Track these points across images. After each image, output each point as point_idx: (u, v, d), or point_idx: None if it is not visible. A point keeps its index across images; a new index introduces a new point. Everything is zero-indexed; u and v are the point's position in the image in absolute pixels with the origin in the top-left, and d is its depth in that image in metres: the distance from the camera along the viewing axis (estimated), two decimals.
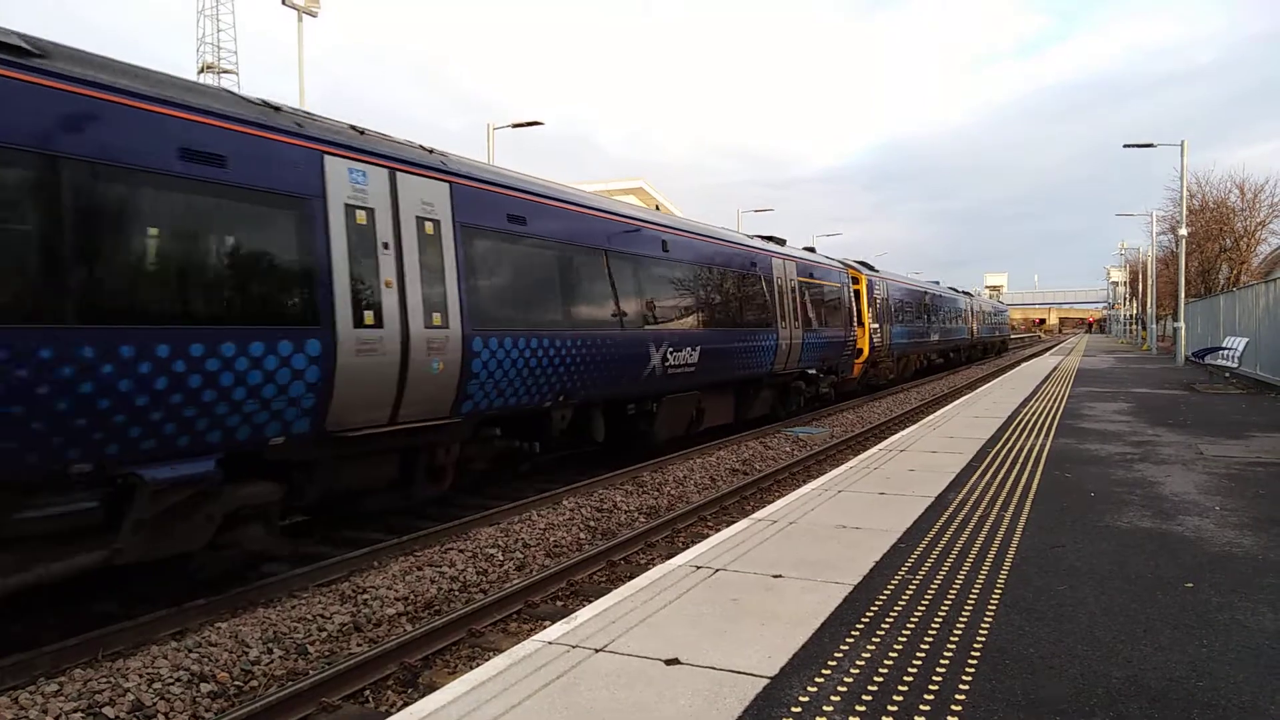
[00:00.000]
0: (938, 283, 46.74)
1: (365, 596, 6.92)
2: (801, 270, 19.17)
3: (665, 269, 13.41)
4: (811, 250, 24.13)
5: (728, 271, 15.54)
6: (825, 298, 20.61)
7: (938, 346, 37.10)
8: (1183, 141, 30.90)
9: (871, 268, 27.69)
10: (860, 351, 24.06)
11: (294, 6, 23.79)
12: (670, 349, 12.93)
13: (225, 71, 59.61)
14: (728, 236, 16.55)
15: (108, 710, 4.98)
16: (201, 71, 57.88)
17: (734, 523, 7.31)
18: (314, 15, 24.67)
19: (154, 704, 5.11)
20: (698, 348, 13.77)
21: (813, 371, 19.70)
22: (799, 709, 3.43)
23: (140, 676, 5.36)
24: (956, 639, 4.17)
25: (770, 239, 19.10)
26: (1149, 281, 51.16)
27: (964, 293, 47.95)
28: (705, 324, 14.37)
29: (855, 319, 23.05)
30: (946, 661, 3.90)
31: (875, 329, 25.51)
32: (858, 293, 24.48)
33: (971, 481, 8.35)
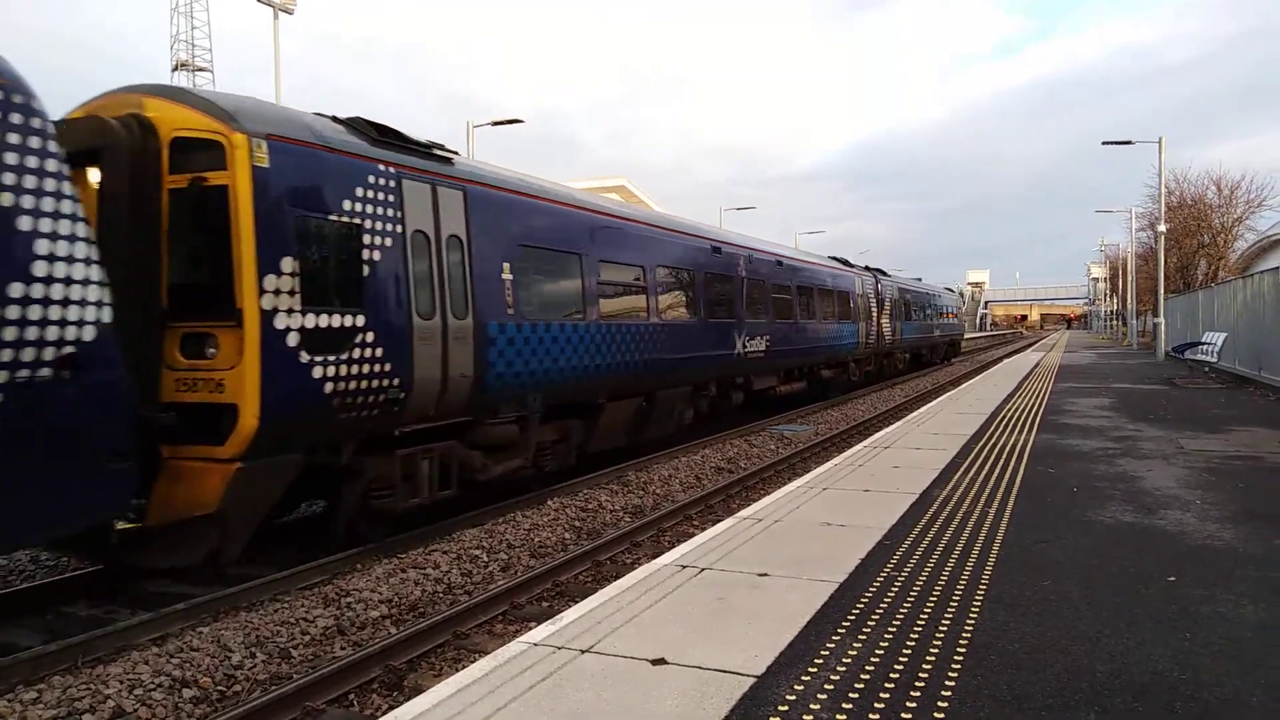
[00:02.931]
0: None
1: (349, 599, 6.86)
2: None
3: None
4: None
5: None
6: None
7: (762, 363, 17.60)
8: (1160, 138, 31.23)
9: (439, 154, 8.97)
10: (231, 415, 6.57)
11: (269, 4, 23.59)
12: None
13: (200, 70, 58.98)
14: None
15: (88, 718, 4.92)
16: (175, 69, 57.23)
17: (719, 521, 7.32)
18: (290, 13, 24.48)
19: (135, 710, 5.04)
20: None
21: None
22: (785, 707, 3.43)
23: (121, 683, 5.29)
24: (942, 635, 4.18)
25: None
26: (1129, 277, 51.67)
27: (868, 269, 28.19)
28: None
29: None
30: (932, 658, 3.90)
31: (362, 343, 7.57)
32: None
33: (955, 478, 8.39)
